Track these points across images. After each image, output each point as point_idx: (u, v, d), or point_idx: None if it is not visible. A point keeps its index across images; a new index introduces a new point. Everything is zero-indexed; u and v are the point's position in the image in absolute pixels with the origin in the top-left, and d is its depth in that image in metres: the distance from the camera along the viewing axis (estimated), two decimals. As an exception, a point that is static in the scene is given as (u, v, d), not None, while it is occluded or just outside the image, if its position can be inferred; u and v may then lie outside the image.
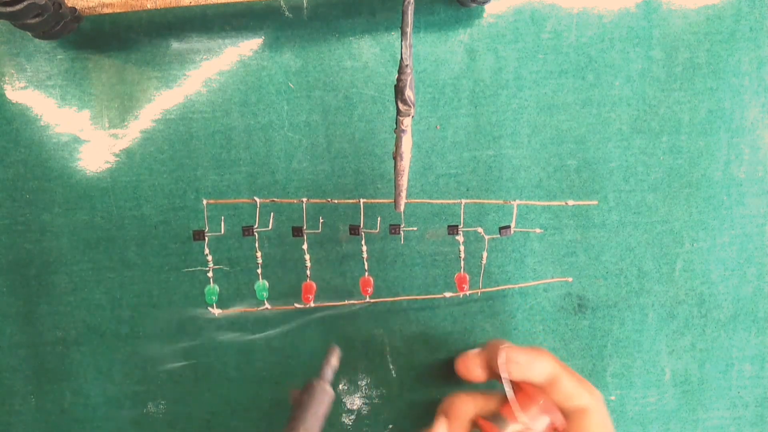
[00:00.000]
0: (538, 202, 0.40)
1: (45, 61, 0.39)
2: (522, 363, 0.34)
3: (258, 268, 0.37)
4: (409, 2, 0.24)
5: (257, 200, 0.37)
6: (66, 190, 0.39)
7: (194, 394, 0.41)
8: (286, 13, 0.39)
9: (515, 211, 0.39)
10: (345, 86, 0.39)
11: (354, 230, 0.37)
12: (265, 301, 0.37)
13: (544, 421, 0.33)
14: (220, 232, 0.38)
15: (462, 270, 0.39)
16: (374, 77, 0.39)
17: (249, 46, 0.39)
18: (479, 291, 0.40)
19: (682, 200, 0.41)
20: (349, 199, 0.38)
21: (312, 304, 0.37)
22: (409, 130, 0.28)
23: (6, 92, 0.39)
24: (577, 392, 0.34)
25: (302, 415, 0.31)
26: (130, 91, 0.39)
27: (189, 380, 0.41)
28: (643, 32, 0.40)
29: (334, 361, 0.33)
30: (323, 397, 0.32)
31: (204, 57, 0.39)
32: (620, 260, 0.41)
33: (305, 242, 0.37)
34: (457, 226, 0.38)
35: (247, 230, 0.36)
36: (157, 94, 0.39)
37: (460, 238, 0.38)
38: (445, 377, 0.42)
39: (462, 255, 0.38)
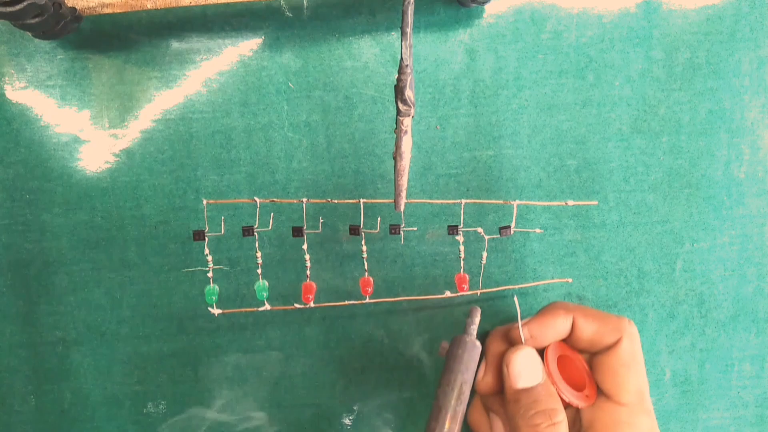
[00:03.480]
0: (538, 202, 0.40)
1: (45, 61, 0.39)
2: (538, 335, 0.35)
3: (258, 268, 0.37)
4: (409, 2, 0.25)
5: (257, 200, 0.37)
6: (66, 190, 0.39)
7: (194, 394, 0.41)
8: (286, 13, 0.39)
9: (515, 211, 0.39)
10: (345, 86, 0.39)
11: (354, 230, 0.37)
12: (265, 301, 0.37)
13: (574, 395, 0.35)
14: (220, 232, 0.38)
15: (462, 270, 0.39)
16: (374, 77, 0.39)
17: (249, 46, 0.39)
18: (479, 291, 0.40)
19: (682, 200, 0.41)
20: (349, 199, 0.38)
21: (312, 304, 0.37)
22: (409, 130, 0.28)
23: (6, 92, 0.39)
24: (598, 336, 0.35)
25: (458, 367, 0.34)
26: (130, 91, 0.39)
27: (189, 380, 0.41)
28: (643, 32, 0.40)
29: (476, 318, 0.36)
30: (473, 350, 0.35)
31: (204, 57, 0.39)
32: (620, 260, 0.41)
33: (305, 242, 0.37)
34: (457, 226, 0.38)
35: (247, 230, 0.36)
36: (157, 94, 0.39)
37: (460, 238, 0.38)
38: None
39: (462, 255, 0.38)
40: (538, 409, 0.33)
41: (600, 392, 0.35)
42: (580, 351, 0.37)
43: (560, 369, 0.36)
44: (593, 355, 0.36)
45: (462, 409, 0.34)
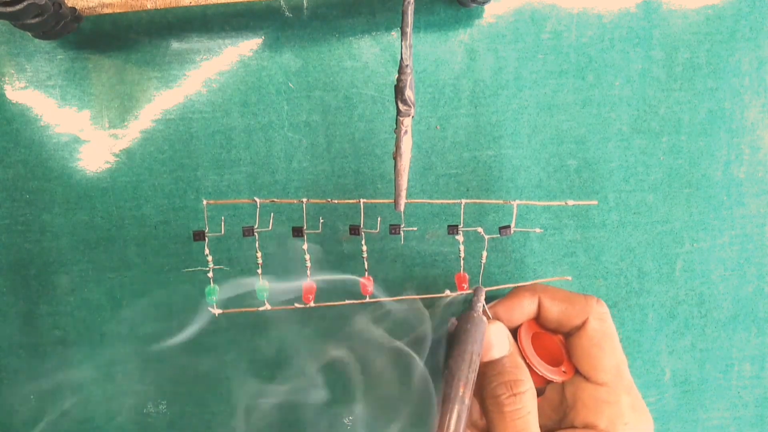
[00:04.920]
0: (538, 202, 0.40)
1: (45, 61, 0.39)
2: (504, 314, 0.36)
3: (258, 268, 0.37)
4: (409, 2, 0.24)
5: (257, 200, 0.37)
6: (66, 190, 0.39)
7: (194, 394, 0.41)
8: (286, 13, 0.39)
9: (515, 211, 0.38)
10: (345, 86, 0.39)
11: (354, 230, 0.37)
12: (265, 301, 0.37)
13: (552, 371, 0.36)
14: (221, 232, 0.38)
15: (462, 270, 0.39)
16: (374, 77, 0.39)
17: (249, 46, 0.39)
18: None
19: (682, 200, 0.41)
20: (349, 199, 0.38)
21: (312, 304, 0.37)
22: (409, 130, 0.28)
23: (6, 92, 0.39)
24: (565, 317, 0.35)
25: (468, 339, 0.35)
26: (130, 91, 0.39)
27: (189, 380, 0.41)
28: (643, 32, 0.40)
29: (482, 296, 0.36)
30: (480, 324, 0.35)
31: (204, 57, 0.39)
32: (620, 260, 0.41)
33: (305, 242, 0.37)
34: (457, 226, 0.38)
35: (248, 230, 0.36)
36: (157, 94, 0.39)
37: (460, 238, 0.38)
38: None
39: (462, 255, 0.38)
40: (502, 380, 0.33)
41: (578, 372, 0.36)
42: (553, 331, 0.37)
43: (538, 346, 0.37)
44: (567, 337, 0.37)
45: (473, 377, 0.34)
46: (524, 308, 0.36)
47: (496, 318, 0.36)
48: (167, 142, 0.39)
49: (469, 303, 0.37)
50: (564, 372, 0.36)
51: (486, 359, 0.35)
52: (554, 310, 0.36)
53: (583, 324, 0.35)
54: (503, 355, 0.34)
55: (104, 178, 0.40)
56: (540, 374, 0.35)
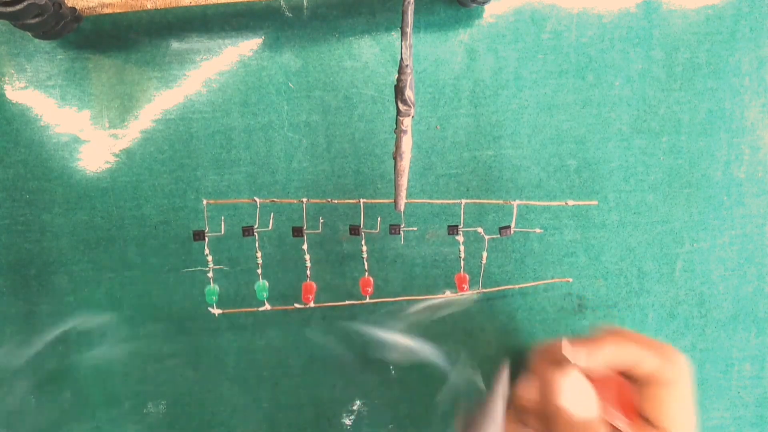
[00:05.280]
0: (538, 202, 0.40)
1: (45, 61, 0.39)
2: (590, 363, 0.32)
3: (258, 268, 0.37)
4: (409, 2, 0.24)
5: (257, 200, 0.37)
6: (66, 190, 0.39)
7: (194, 394, 0.41)
8: (286, 13, 0.39)
9: (515, 211, 0.38)
10: (345, 86, 0.39)
11: (354, 230, 0.37)
12: (265, 301, 0.37)
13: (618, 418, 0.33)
14: (220, 232, 0.38)
15: (462, 270, 0.39)
16: (374, 77, 0.39)
17: (249, 46, 0.39)
18: (479, 291, 0.40)
19: (682, 200, 0.41)
20: (349, 199, 0.38)
21: (312, 304, 0.37)
22: (409, 130, 0.28)
23: (6, 92, 0.39)
24: (642, 356, 0.32)
25: None
26: (130, 91, 0.39)
27: (189, 380, 0.41)
28: (643, 32, 0.40)
29: (505, 378, 0.32)
30: (493, 427, 0.31)
31: (204, 57, 0.39)
32: (620, 260, 0.41)
33: (305, 242, 0.37)
34: (457, 226, 0.38)
35: (247, 230, 0.36)
36: (157, 94, 0.39)
37: (460, 238, 0.38)
38: (445, 377, 0.42)
39: (462, 255, 0.38)
40: None
41: (642, 416, 0.33)
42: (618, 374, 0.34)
43: (605, 391, 0.33)
44: (641, 386, 0.33)
45: None
46: (607, 356, 0.32)
47: (574, 365, 0.31)
48: (167, 142, 0.39)
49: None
50: (638, 426, 0.33)
51: (573, 418, 0.30)
52: (629, 356, 0.32)
53: (659, 370, 0.32)
54: (590, 418, 0.30)
55: (104, 178, 0.40)
56: (619, 428, 0.32)
